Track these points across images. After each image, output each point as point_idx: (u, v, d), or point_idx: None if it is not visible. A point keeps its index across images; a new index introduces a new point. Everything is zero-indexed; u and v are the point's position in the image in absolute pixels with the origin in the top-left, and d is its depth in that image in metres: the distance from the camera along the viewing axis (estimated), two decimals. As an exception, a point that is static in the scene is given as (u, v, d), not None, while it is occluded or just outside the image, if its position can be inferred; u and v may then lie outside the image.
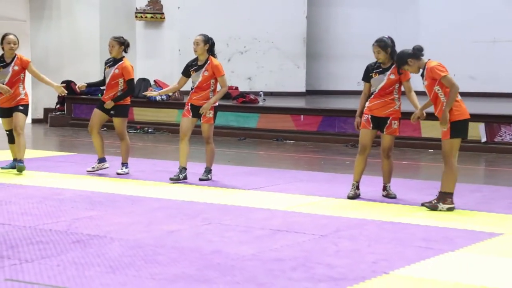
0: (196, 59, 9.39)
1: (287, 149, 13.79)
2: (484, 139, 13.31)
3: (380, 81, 8.24)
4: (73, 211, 7.39)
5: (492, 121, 13.36)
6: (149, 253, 5.74)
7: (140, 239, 6.19)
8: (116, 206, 7.72)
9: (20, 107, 9.82)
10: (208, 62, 9.26)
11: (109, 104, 9.71)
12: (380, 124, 8.28)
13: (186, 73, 9.43)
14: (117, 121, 9.84)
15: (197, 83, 9.30)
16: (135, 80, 17.22)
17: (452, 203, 7.68)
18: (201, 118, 9.30)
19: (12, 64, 9.80)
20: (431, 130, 13.00)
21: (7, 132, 10.11)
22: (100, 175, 9.77)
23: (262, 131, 15.38)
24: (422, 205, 7.82)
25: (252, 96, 16.35)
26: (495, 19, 19.63)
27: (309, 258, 5.66)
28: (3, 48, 9.87)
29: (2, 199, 7.99)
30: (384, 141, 8.34)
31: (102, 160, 9.92)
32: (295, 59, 19.80)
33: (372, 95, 8.29)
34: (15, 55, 9.86)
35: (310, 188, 8.96)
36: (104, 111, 9.81)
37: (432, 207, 7.70)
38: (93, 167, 9.92)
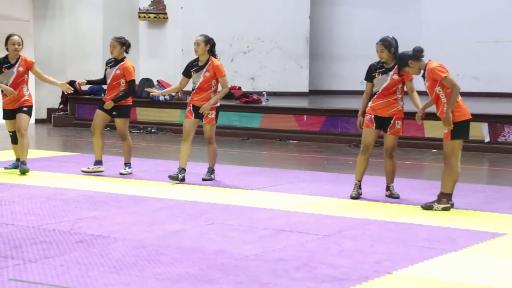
0: (197, 60, 9.37)
1: (290, 149, 13.78)
2: (487, 139, 13.29)
3: (383, 81, 8.24)
4: (77, 211, 7.40)
5: (496, 121, 13.35)
6: (152, 253, 5.74)
7: (143, 239, 6.20)
8: (119, 206, 7.73)
9: (24, 108, 9.81)
10: (209, 62, 9.25)
11: (108, 105, 9.71)
12: (383, 124, 8.28)
13: (187, 73, 9.41)
14: (119, 121, 9.84)
15: (198, 84, 9.28)
16: (138, 80, 17.27)
17: (448, 203, 7.68)
18: (203, 119, 9.30)
19: (17, 65, 9.80)
20: (434, 130, 12.99)
21: (11, 134, 10.11)
22: (103, 175, 9.77)
23: (265, 131, 15.38)
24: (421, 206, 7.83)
25: (255, 96, 16.36)
26: (498, 19, 19.60)
27: (312, 258, 5.66)
28: (7, 49, 9.86)
29: (6, 199, 8.01)
30: (388, 141, 8.34)
31: (98, 162, 9.87)
32: (298, 59, 19.79)
33: (375, 95, 8.29)
34: (20, 56, 9.86)
35: (313, 188, 8.97)
36: (106, 112, 9.81)
37: (427, 207, 7.72)
38: (89, 168, 9.88)
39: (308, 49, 19.94)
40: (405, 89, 8.29)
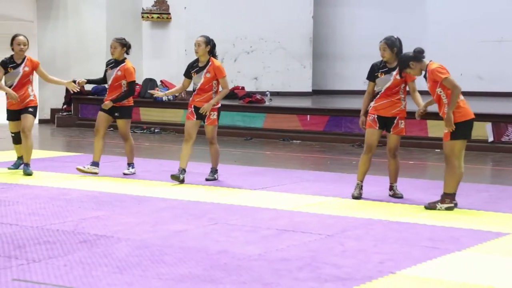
0: (197, 61, 9.35)
1: (294, 149, 13.79)
2: (491, 139, 13.28)
3: (386, 81, 8.23)
4: (80, 211, 7.41)
5: (499, 121, 13.33)
6: (156, 253, 5.75)
7: (147, 239, 6.20)
8: (122, 206, 7.74)
9: (30, 109, 9.79)
10: (210, 63, 9.23)
11: (107, 105, 9.70)
12: (386, 124, 8.28)
13: (188, 74, 9.38)
14: (121, 122, 9.85)
15: (199, 84, 9.26)
16: (142, 80, 17.29)
17: (451, 203, 7.67)
18: (205, 120, 9.28)
19: (23, 65, 9.79)
20: (437, 130, 12.97)
21: (13, 134, 10.09)
22: (106, 175, 9.78)
23: (268, 131, 15.39)
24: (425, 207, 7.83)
25: (258, 96, 16.36)
26: (502, 18, 19.59)
27: (316, 258, 5.66)
28: (13, 49, 9.84)
29: (10, 199, 8.02)
30: (391, 141, 8.33)
31: (95, 164, 9.84)
32: (302, 59, 19.80)
33: (378, 95, 8.28)
34: (25, 56, 9.86)
35: (317, 188, 8.96)
36: (108, 113, 9.80)
37: (430, 207, 7.71)
38: (84, 167, 9.81)
39: (312, 49, 19.95)
40: (407, 89, 8.29)
